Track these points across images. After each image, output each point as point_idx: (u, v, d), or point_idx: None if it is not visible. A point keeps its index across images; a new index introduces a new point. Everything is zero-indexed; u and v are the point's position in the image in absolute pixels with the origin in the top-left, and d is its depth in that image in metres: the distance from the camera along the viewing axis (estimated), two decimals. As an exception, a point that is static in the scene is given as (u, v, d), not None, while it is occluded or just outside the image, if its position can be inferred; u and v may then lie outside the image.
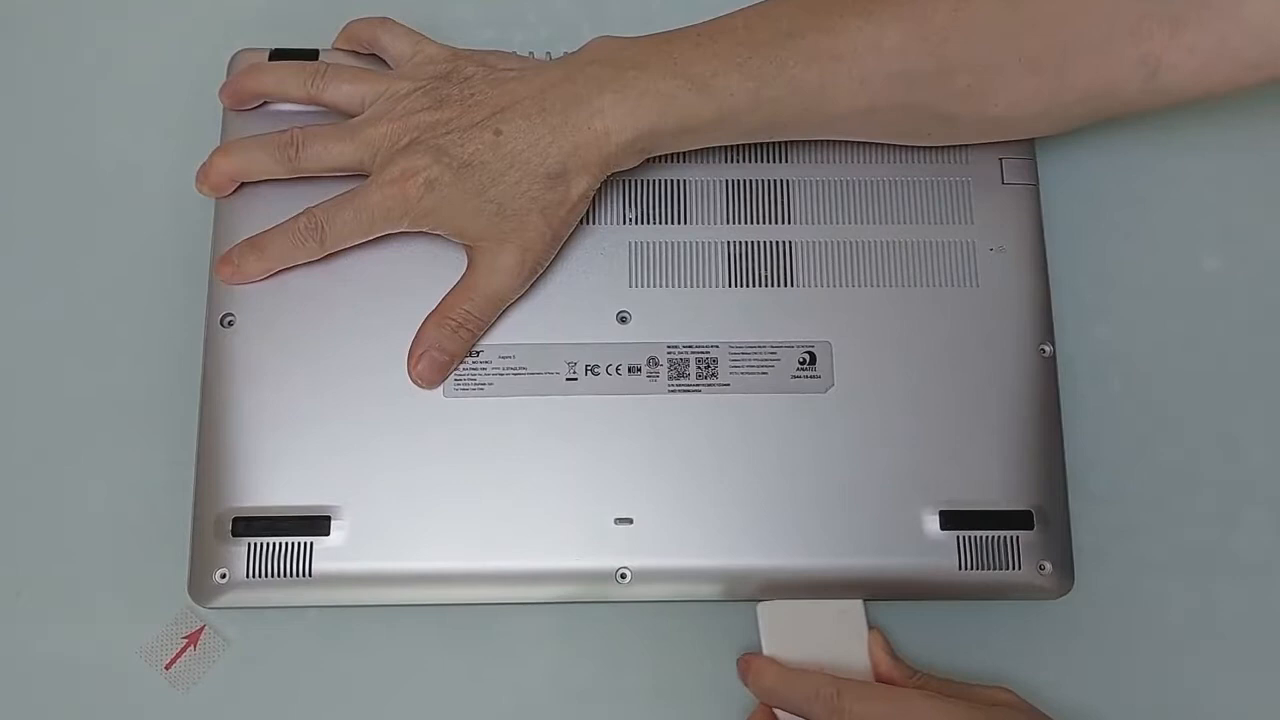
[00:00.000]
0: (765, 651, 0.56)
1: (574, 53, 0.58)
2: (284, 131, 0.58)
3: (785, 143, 0.61)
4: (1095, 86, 0.56)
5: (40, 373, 0.61)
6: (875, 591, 0.57)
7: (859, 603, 0.56)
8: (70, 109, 0.66)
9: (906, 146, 0.61)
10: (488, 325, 0.58)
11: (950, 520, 0.57)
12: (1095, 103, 0.57)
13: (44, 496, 0.60)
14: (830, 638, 0.56)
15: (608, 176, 0.57)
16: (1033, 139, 0.62)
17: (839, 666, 0.55)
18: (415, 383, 0.57)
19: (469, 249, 0.58)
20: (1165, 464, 0.61)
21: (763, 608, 0.56)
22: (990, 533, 0.57)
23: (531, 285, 0.58)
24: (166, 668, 0.58)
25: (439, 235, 0.58)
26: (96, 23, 0.67)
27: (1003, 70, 0.55)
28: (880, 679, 0.55)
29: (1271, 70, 0.56)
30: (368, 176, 0.57)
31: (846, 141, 0.61)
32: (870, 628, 0.56)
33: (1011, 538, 0.57)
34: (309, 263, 0.58)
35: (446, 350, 0.57)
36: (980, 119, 0.57)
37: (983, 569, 0.56)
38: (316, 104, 0.60)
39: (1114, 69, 0.55)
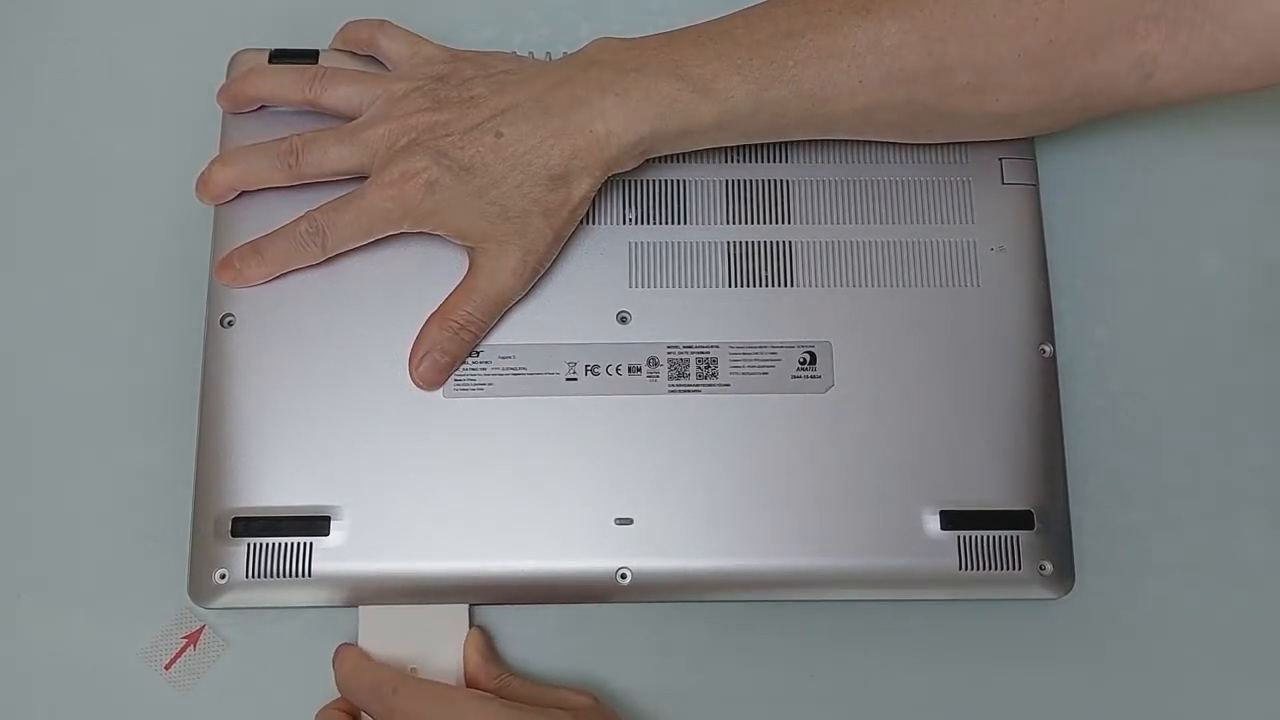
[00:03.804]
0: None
1: (574, 54, 0.59)
2: (283, 140, 0.58)
3: (785, 143, 0.61)
4: (1092, 84, 0.56)
5: (40, 373, 0.61)
6: (875, 591, 0.57)
7: (463, 606, 0.57)
8: (70, 108, 0.65)
9: (906, 146, 0.61)
10: (489, 327, 0.58)
11: (950, 520, 0.57)
12: (1092, 100, 0.57)
13: (43, 496, 0.60)
14: (427, 640, 0.56)
15: (608, 177, 0.57)
16: (1032, 139, 0.62)
17: (433, 668, 0.56)
18: (416, 384, 0.57)
19: (470, 250, 0.58)
20: (1165, 464, 0.61)
21: (364, 610, 0.56)
22: (990, 533, 0.57)
23: (532, 286, 0.58)
24: (166, 668, 0.58)
25: (439, 236, 0.58)
26: (97, 23, 0.67)
27: (1002, 67, 0.55)
28: (468, 679, 0.56)
29: (1262, 77, 0.56)
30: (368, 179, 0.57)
31: (847, 141, 0.61)
32: (471, 628, 0.57)
33: (1012, 538, 0.57)
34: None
35: (448, 352, 0.57)
36: (980, 116, 0.57)
37: (983, 569, 0.56)
38: (315, 108, 0.60)
39: (1111, 67, 0.56)
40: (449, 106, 0.57)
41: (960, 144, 0.61)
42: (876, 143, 0.61)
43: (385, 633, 0.56)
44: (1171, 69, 0.56)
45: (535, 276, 0.58)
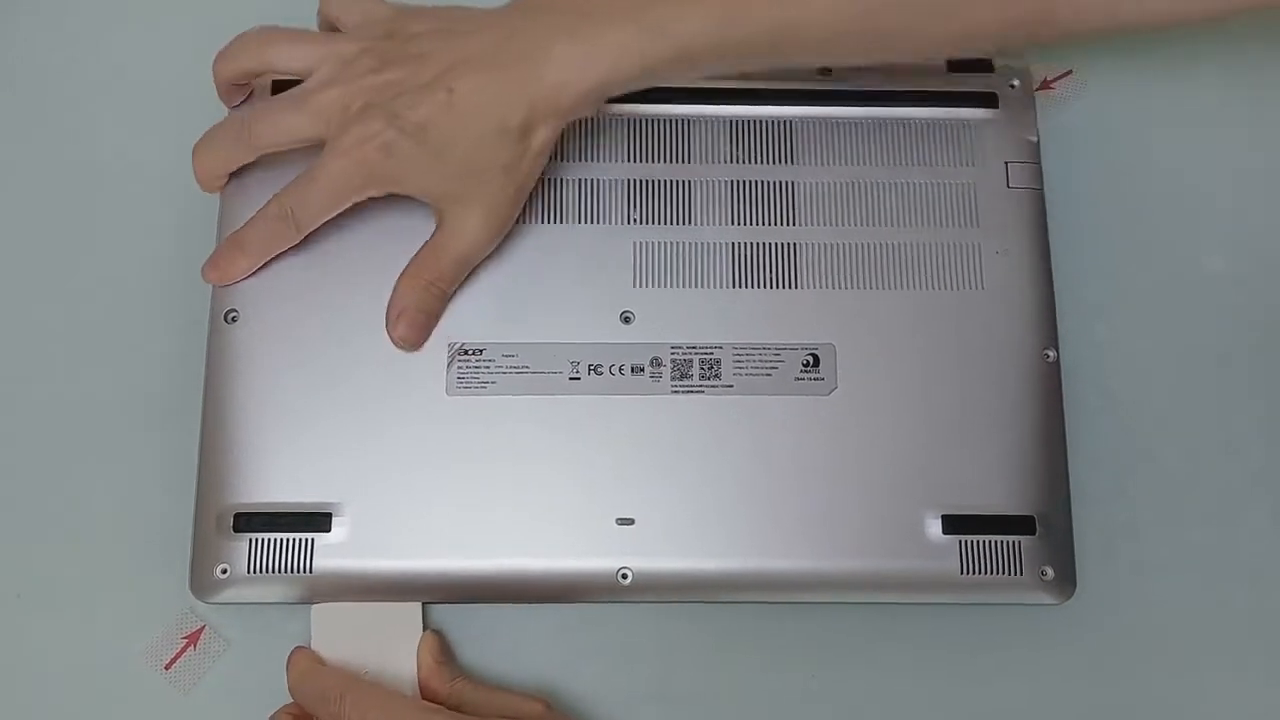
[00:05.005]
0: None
1: (524, 0, 0.58)
2: (235, 114, 0.58)
3: (791, 144, 0.61)
4: (1045, 6, 0.57)
5: (44, 369, 0.61)
6: (876, 594, 0.57)
7: (417, 605, 0.57)
8: (74, 105, 0.66)
9: (911, 150, 0.61)
10: (458, 283, 0.58)
11: (952, 524, 0.56)
12: (1044, 26, 0.58)
13: (45, 494, 0.60)
14: (381, 641, 0.56)
15: (613, 172, 0.58)
16: (1038, 143, 0.62)
17: (387, 670, 0.56)
18: (396, 345, 0.57)
19: (436, 208, 0.58)
20: (1168, 470, 0.61)
21: (316, 609, 0.56)
22: (992, 537, 0.56)
23: (535, 284, 0.59)
24: (166, 668, 0.57)
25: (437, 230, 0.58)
26: (98, 19, 0.67)
27: None
28: (421, 683, 0.56)
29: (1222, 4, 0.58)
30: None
31: (853, 143, 0.61)
32: (425, 630, 0.56)
33: (1013, 543, 0.56)
34: (318, 257, 0.59)
35: (424, 309, 0.57)
36: (938, 36, 0.58)
37: (984, 573, 0.56)
38: (268, 70, 0.59)
39: None
40: (398, 64, 0.56)
41: (967, 149, 0.61)
42: (883, 146, 0.61)
43: (340, 636, 0.56)
44: None
45: (502, 232, 0.58)
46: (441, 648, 0.56)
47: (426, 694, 0.55)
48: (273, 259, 0.58)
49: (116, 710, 0.57)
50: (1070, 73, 0.66)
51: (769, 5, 0.55)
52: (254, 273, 0.58)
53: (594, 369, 0.58)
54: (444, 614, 0.58)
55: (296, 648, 0.56)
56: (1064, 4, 0.57)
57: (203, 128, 0.61)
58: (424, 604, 0.57)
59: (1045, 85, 0.63)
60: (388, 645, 0.56)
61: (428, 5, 0.60)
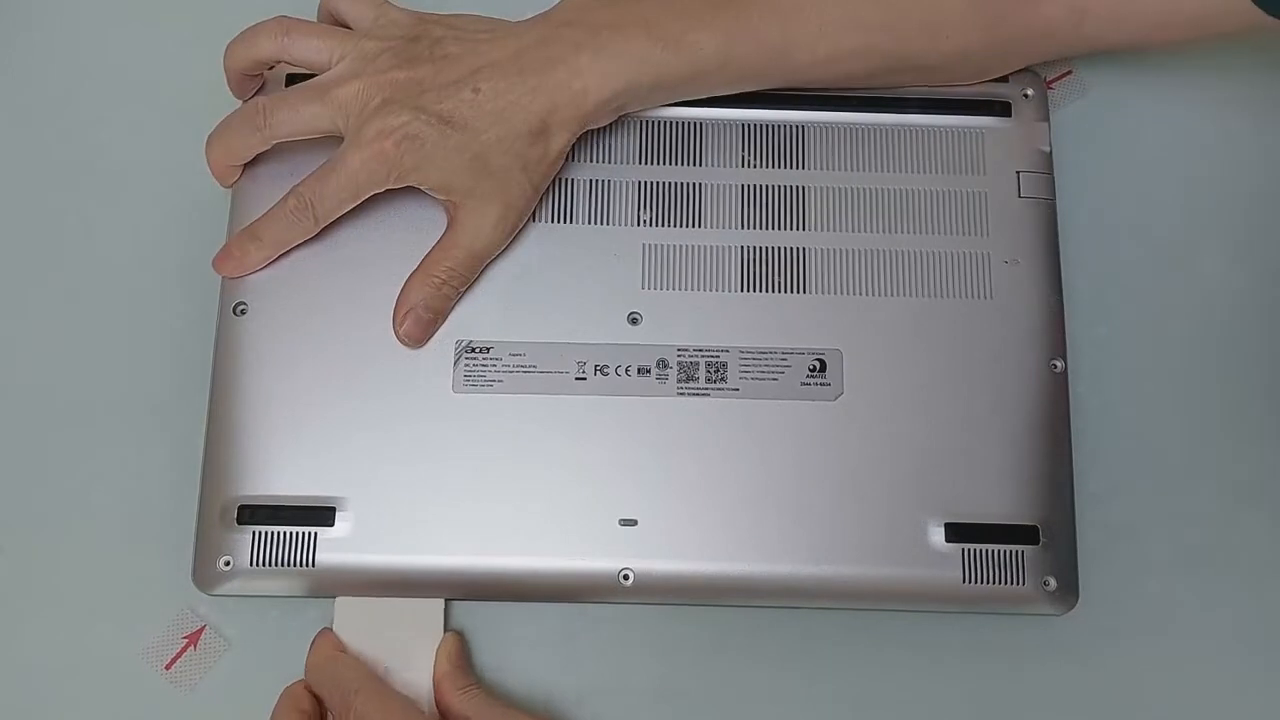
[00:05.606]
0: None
1: (547, 13, 0.59)
2: (251, 102, 0.58)
3: (803, 149, 0.61)
4: (1034, 27, 0.60)
5: (49, 362, 0.61)
6: (877, 601, 0.57)
7: (439, 604, 0.57)
8: (84, 100, 0.66)
9: (922, 156, 0.61)
10: (470, 281, 0.59)
11: (956, 533, 0.56)
12: (1034, 44, 0.61)
13: (48, 489, 0.60)
14: (402, 636, 0.56)
15: (628, 176, 0.59)
16: (1050, 154, 0.62)
17: (406, 667, 0.56)
18: (402, 341, 0.58)
19: (450, 205, 0.58)
20: (1176, 485, 0.60)
21: (340, 601, 0.56)
22: (995, 546, 0.56)
23: (544, 283, 0.59)
24: (166, 668, 0.57)
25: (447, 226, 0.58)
26: (98, 19, 0.68)
27: (950, 11, 0.59)
28: (435, 685, 0.56)
29: (1180, 31, 0.61)
30: (342, 139, 0.57)
31: (864, 150, 0.61)
32: (447, 633, 0.56)
33: (1016, 552, 0.56)
34: (328, 251, 0.59)
35: (431, 308, 0.58)
36: (931, 56, 0.60)
37: (987, 583, 0.56)
38: (286, 60, 0.59)
39: (1051, 12, 0.60)
40: (423, 64, 0.57)
41: (979, 157, 0.61)
42: (895, 152, 0.61)
43: (362, 629, 0.56)
44: (1100, 19, 0.60)
45: (515, 231, 0.59)
46: (460, 651, 0.56)
47: (438, 696, 0.55)
48: (283, 252, 0.59)
49: (116, 710, 0.57)
50: (1070, 73, 0.66)
51: (769, 24, 0.58)
52: (267, 265, 0.59)
53: (600, 370, 0.58)
54: (449, 611, 0.58)
55: (323, 630, 0.56)
56: (1053, 22, 0.60)
57: (217, 116, 0.61)
58: (447, 600, 0.57)
59: (1044, 85, 0.64)
60: (408, 642, 0.56)
61: (444, 13, 0.61)
